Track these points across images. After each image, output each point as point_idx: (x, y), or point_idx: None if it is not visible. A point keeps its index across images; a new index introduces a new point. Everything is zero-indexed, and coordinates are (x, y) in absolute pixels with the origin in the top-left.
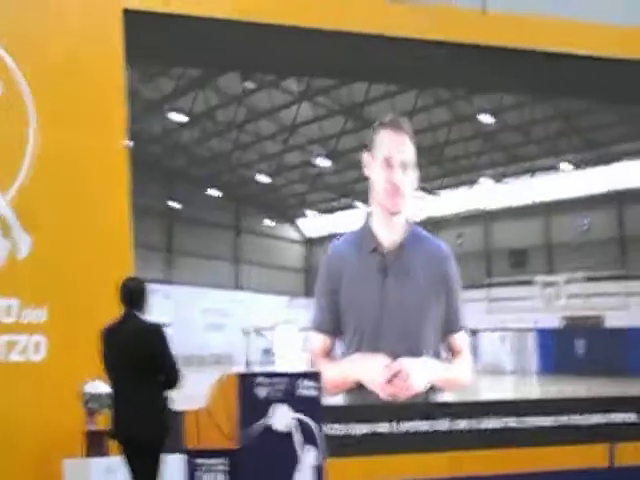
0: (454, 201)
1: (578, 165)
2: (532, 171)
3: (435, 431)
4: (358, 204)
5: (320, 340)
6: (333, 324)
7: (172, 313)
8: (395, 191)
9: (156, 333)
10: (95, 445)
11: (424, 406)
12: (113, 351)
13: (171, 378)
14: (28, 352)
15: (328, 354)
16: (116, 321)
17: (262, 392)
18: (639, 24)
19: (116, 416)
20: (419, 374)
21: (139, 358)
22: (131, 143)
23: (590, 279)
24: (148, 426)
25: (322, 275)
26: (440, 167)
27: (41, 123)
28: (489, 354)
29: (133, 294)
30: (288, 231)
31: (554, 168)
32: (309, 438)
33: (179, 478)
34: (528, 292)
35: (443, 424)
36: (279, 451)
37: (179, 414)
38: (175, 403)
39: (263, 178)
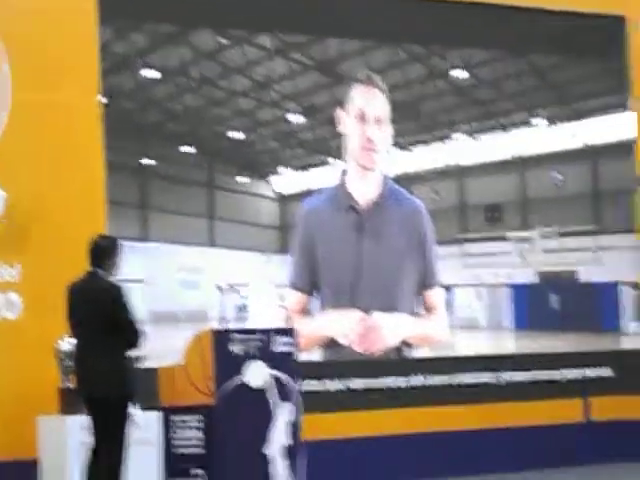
0: (429, 156)
1: (552, 120)
2: (506, 126)
3: (410, 387)
4: (332, 161)
5: (296, 297)
6: (309, 281)
7: (146, 270)
8: (370, 146)
9: (116, 293)
10: (70, 403)
11: (399, 362)
12: (76, 309)
13: (131, 338)
14: (2, 310)
15: (304, 311)
16: (81, 279)
17: (237, 348)
18: None
19: (79, 374)
20: (392, 328)
21: (99, 318)
22: (104, 99)
23: (564, 234)
24: (109, 384)
25: (298, 233)
26: (415, 123)
27: (14, 80)
28: (464, 309)
29: (99, 252)
30: (262, 188)
31: (528, 123)
32: (284, 394)
33: (155, 434)
34: (503, 247)
35: (418, 380)
36: (254, 407)
37: (154, 371)
38: (148, 361)
39: (237, 134)
